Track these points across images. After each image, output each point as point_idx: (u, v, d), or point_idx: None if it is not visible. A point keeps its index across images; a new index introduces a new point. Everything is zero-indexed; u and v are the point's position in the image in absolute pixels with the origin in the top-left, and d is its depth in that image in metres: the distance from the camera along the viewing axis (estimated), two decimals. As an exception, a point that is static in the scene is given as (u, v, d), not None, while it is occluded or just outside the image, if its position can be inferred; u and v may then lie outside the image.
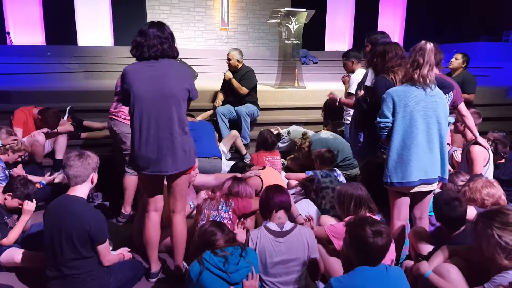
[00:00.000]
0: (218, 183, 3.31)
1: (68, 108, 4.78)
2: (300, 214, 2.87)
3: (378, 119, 2.58)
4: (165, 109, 2.38)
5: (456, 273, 2.08)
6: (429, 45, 2.45)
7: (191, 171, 2.66)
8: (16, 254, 2.65)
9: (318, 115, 5.24)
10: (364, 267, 1.84)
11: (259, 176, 3.42)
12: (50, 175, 3.79)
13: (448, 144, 3.90)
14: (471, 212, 2.57)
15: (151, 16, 9.70)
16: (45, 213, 2.37)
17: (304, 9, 6.26)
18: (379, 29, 10.24)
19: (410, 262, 2.57)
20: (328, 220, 2.90)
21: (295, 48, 6.45)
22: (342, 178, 3.63)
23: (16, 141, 3.66)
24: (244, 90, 4.96)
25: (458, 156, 3.92)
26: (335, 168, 3.73)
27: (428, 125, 2.49)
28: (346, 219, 2.52)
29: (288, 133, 4.94)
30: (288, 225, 2.33)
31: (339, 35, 11.36)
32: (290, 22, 6.19)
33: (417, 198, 2.65)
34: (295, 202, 3.16)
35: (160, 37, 2.38)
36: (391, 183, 2.52)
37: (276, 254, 2.22)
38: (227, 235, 2.25)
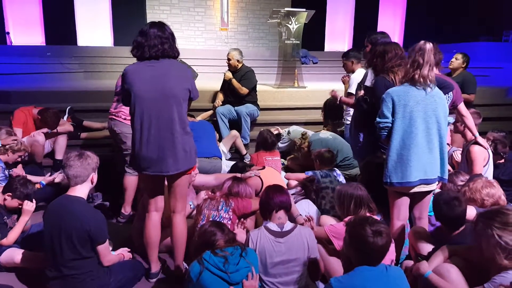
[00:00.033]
0: (218, 183, 3.31)
1: (68, 108, 4.78)
2: (300, 214, 2.87)
3: (377, 119, 2.58)
4: (166, 109, 2.38)
5: (456, 273, 2.08)
6: (429, 45, 2.46)
7: (192, 171, 2.66)
8: (15, 255, 2.64)
9: (318, 115, 5.24)
10: (364, 267, 1.84)
11: (259, 176, 3.42)
12: (50, 176, 3.79)
13: (448, 144, 3.91)
14: (471, 212, 2.57)
15: (151, 16, 9.70)
16: (45, 213, 2.37)
17: (304, 9, 6.26)
18: (379, 29, 10.24)
19: (410, 262, 2.57)
20: (328, 220, 2.90)
21: (295, 48, 6.45)
22: (341, 178, 3.63)
23: (16, 141, 3.66)
24: (244, 90, 4.96)
25: (457, 156, 3.92)
26: (335, 168, 3.73)
27: (428, 125, 2.49)
28: (346, 219, 2.52)
29: (288, 133, 4.94)
30: (288, 225, 2.33)
31: (339, 35, 11.36)
32: (290, 22, 6.19)
33: (416, 198, 2.65)
34: (295, 202, 3.15)
35: (161, 37, 2.38)
36: (391, 183, 2.52)
37: (276, 255, 2.22)
38: (227, 235, 2.25)
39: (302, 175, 3.58)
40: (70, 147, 4.34)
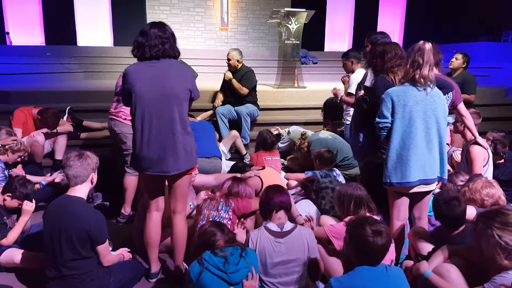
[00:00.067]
0: (218, 183, 3.31)
1: (67, 108, 4.78)
2: (300, 215, 2.87)
3: (377, 119, 2.58)
4: (166, 109, 2.38)
5: (456, 273, 2.08)
6: (428, 45, 2.46)
7: (192, 171, 2.66)
8: (15, 255, 2.64)
9: (318, 115, 5.24)
10: (364, 267, 1.84)
11: (259, 176, 3.42)
12: (50, 176, 3.79)
13: (447, 144, 3.91)
14: (471, 212, 2.57)
15: (150, 16, 9.69)
16: (45, 214, 2.37)
17: (304, 9, 6.26)
18: (378, 29, 10.24)
19: (410, 262, 2.57)
20: (328, 221, 2.90)
21: (295, 48, 6.46)
22: (341, 178, 3.63)
23: (15, 142, 3.66)
24: (245, 90, 4.97)
25: (457, 156, 3.92)
26: (334, 168, 3.73)
27: (427, 125, 2.49)
28: (346, 219, 2.52)
29: (288, 133, 4.95)
30: (288, 225, 2.33)
31: (338, 35, 11.36)
32: (290, 22, 6.19)
33: (416, 198, 2.65)
34: (295, 203, 3.15)
35: (162, 37, 2.38)
36: (391, 183, 2.52)
37: (276, 255, 2.22)
38: (227, 235, 2.25)
39: (301, 176, 3.58)
40: (70, 147, 4.34)
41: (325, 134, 4.45)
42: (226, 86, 5.13)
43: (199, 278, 2.00)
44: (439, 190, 2.88)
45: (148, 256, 2.64)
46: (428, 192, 2.63)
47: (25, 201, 2.87)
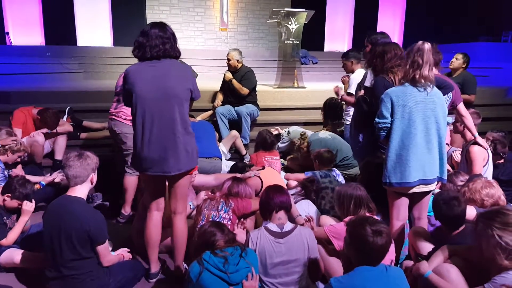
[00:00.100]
0: (218, 183, 3.31)
1: (67, 109, 4.77)
2: (300, 215, 2.87)
3: (376, 119, 2.58)
4: (167, 109, 2.38)
5: (456, 273, 2.08)
6: (427, 45, 2.46)
7: (193, 171, 2.66)
8: (15, 255, 2.64)
9: (317, 115, 5.24)
10: (364, 267, 1.84)
11: (259, 177, 3.42)
12: (50, 176, 3.79)
13: (447, 144, 3.91)
14: (471, 212, 2.57)
15: (150, 17, 9.69)
16: (45, 214, 2.37)
17: (304, 10, 6.26)
18: (378, 29, 10.24)
19: (410, 262, 2.57)
20: (328, 221, 2.89)
21: (295, 48, 6.45)
22: (341, 178, 3.63)
23: (15, 142, 3.65)
24: (245, 91, 4.96)
25: (457, 156, 3.93)
26: (334, 168, 3.73)
27: (427, 126, 2.49)
28: (346, 219, 2.52)
29: (288, 133, 4.95)
30: (288, 225, 2.33)
31: (338, 35, 11.36)
32: (289, 23, 6.19)
33: (415, 199, 2.65)
34: (295, 203, 3.15)
35: (162, 37, 2.39)
36: (390, 183, 2.52)
37: (276, 255, 2.22)
38: (227, 235, 2.25)
39: (301, 176, 3.58)
40: (70, 147, 4.34)
41: (324, 134, 4.45)
42: (226, 86, 5.13)
43: (199, 278, 2.00)
44: (439, 190, 2.88)
45: (148, 256, 2.64)
46: (427, 192, 2.63)
47: (25, 201, 2.87)
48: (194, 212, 3.08)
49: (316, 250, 2.34)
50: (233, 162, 4.15)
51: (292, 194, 3.25)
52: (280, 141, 4.88)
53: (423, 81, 2.45)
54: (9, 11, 8.65)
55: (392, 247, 2.35)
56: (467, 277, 2.07)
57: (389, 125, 2.53)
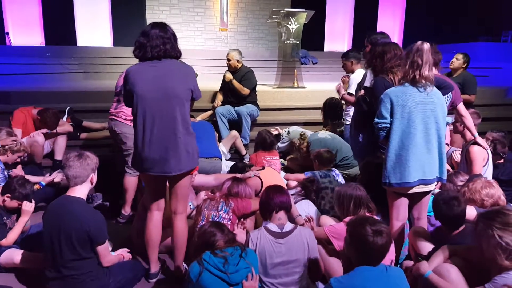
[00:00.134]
0: (218, 183, 3.31)
1: (67, 109, 4.77)
2: (300, 215, 2.87)
3: (376, 119, 2.58)
4: (168, 109, 2.38)
5: (456, 273, 2.08)
6: (426, 45, 2.46)
7: (193, 172, 2.66)
8: (15, 255, 2.64)
9: (317, 116, 5.24)
10: (364, 267, 1.84)
11: (259, 177, 3.42)
12: (50, 176, 3.78)
13: (447, 144, 3.91)
14: (471, 212, 2.57)
15: (150, 17, 9.69)
16: (44, 214, 2.37)
17: (304, 10, 6.26)
18: (378, 29, 10.25)
19: (410, 262, 2.57)
20: (328, 221, 2.89)
21: (295, 48, 6.45)
22: (340, 178, 3.63)
23: (15, 142, 3.65)
24: (246, 91, 4.96)
25: (457, 156, 3.93)
26: (334, 169, 3.73)
27: (426, 126, 2.49)
28: (346, 219, 2.52)
29: (288, 133, 4.94)
30: (288, 226, 2.33)
31: (338, 35, 11.37)
32: (289, 23, 6.19)
33: (415, 199, 2.65)
34: (295, 203, 3.15)
35: (163, 38, 2.39)
36: (390, 183, 2.52)
37: (276, 255, 2.22)
38: (226, 235, 2.25)
39: (301, 176, 3.58)
40: (70, 147, 4.34)
41: (324, 134, 4.45)
42: (226, 86, 5.13)
43: (199, 279, 2.00)
44: (439, 190, 2.88)
45: (148, 256, 2.64)
46: (427, 192, 2.63)
47: (25, 202, 2.87)
48: (194, 212, 3.08)
49: (316, 250, 2.34)
50: (233, 162, 4.15)
51: (292, 194, 3.24)
52: (280, 141, 4.88)
53: (423, 81, 2.45)
54: (9, 11, 8.65)
55: (392, 247, 2.35)
56: (467, 277, 2.07)
57: (388, 125, 2.53)
